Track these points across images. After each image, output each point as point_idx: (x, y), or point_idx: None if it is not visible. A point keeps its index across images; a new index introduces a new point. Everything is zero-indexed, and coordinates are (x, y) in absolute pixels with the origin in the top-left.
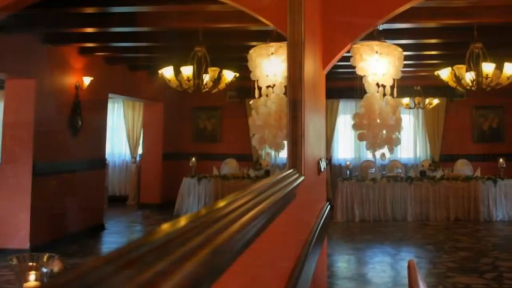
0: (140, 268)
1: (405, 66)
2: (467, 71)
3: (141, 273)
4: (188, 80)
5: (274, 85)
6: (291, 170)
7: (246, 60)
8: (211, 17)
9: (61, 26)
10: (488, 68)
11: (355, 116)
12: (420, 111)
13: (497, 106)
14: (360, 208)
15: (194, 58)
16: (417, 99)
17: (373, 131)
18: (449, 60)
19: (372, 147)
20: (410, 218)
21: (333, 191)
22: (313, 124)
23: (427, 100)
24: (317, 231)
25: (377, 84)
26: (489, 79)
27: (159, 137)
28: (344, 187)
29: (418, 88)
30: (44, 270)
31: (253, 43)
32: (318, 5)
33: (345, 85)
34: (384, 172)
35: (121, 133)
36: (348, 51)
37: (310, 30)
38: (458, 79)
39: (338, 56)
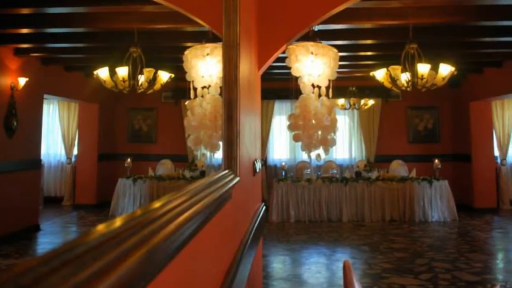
0: (76, 269)
1: (341, 67)
2: (402, 71)
3: (77, 274)
4: (123, 81)
5: (209, 86)
6: (226, 171)
7: (181, 61)
8: (147, 18)
9: None
10: (423, 68)
11: (290, 117)
12: (356, 112)
13: (432, 107)
14: (296, 208)
15: (129, 59)
16: (352, 100)
17: (308, 132)
18: (384, 60)
19: (308, 147)
20: (345, 219)
21: (268, 191)
22: (248, 124)
23: (362, 101)
24: (253, 232)
25: (313, 85)
26: (424, 80)
27: (94, 138)
28: (280, 188)
29: (354, 89)
30: None
31: (189, 44)
32: (254, 6)
33: (280, 86)
34: (319, 173)
35: (56, 134)
36: (284, 52)
37: (245, 31)
38: (393, 79)
39: (274, 57)
